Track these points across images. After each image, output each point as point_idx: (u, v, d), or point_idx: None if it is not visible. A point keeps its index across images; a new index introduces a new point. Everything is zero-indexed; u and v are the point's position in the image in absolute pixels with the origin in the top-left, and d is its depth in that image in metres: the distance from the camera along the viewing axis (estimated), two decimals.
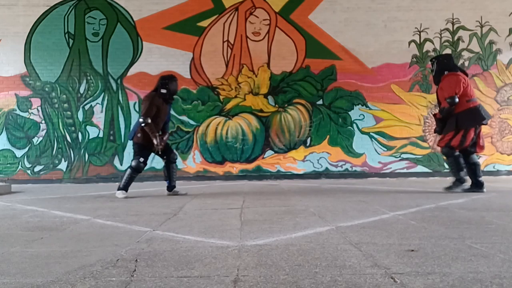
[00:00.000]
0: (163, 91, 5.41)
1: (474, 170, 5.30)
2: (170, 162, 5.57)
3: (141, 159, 5.34)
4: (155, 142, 5.27)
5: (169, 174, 5.58)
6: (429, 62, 5.61)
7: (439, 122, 5.45)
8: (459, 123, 5.18)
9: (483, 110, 5.31)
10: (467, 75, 5.43)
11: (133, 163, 5.34)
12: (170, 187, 5.61)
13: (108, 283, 1.86)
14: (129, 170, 5.38)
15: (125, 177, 5.37)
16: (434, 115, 5.56)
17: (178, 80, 5.64)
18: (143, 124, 5.26)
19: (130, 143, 8.14)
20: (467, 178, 5.31)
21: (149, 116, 5.26)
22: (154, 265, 2.12)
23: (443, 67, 5.37)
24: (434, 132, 5.67)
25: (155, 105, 5.33)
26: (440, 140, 5.46)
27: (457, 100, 5.14)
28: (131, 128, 5.61)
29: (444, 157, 5.41)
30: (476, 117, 5.19)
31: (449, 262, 2.10)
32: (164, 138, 5.44)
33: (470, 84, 5.35)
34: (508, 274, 1.89)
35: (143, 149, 5.39)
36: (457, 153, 5.28)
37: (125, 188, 5.35)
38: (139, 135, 5.33)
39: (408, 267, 2.03)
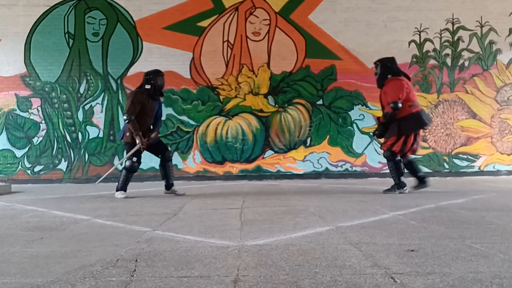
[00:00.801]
0: (147, 86, 5.32)
1: (411, 168, 5.39)
2: (165, 161, 5.51)
3: (134, 159, 5.30)
4: (137, 140, 5.21)
5: (166, 173, 5.52)
6: (374, 65, 5.65)
7: (380, 126, 5.48)
8: (402, 129, 5.22)
9: (425, 114, 5.38)
10: (409, 79, 5.49)
11: (127, 164, 5.31)
12: (168, 186, 5.58)
13: (108, 283, 1.86)
14: (124, 171, 5.36)
15: (121, 178, 5.35)
16: (378, 118, 5.61)
17: (164, 75, 5.55)
18: (126, 122, 5.22)
19: None
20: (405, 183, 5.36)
21: (132, 113, 5.18)
22: (154, 265, 2.12)
23: (386, 71, 5.39)
24: (373, 135, 5.70)
25: (139, 102, 5.23)
26: (383, 144, 5.53)
27: (400, 105, 5.16)
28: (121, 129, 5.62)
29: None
30: (418, 122, 5.25)
31: (449, 262, 2.10)
32: (152, 136, 5.37)
33: (412, 89, 5.41)
34: (508, 274, 1.89)
35: (131, 148, 5.33)
36: (398, 158, 5.35)
37: (123, 188, 5.34)
38: (127, 134, 5.28)
39: (408, 267, 2.03)
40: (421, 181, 5.37)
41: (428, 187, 5.38)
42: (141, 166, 8.06)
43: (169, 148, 5.74)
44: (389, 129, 5.33)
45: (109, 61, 8.23)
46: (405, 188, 5.32)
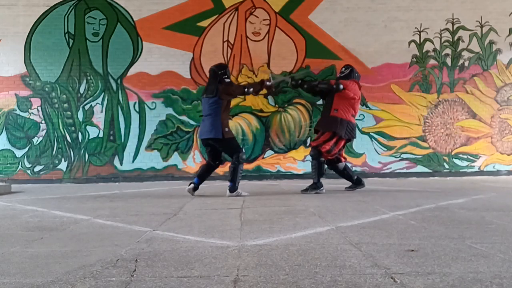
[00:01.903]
0: (228, 80, 5.34)
1: (347, 174, 5.72)
2: (215, 167, 5.52)
3: (243, 149, 5.42)
4: (268, 83, 5.44)
5: (204, 175, 5.45)
6: (344, 67, 5.87)
7: (308, 85, 5.72)
8: (339, 129, 5.39)
9: (355, 130, 5.70)
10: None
11: (243, 156, 5.30)
12: (197, 188, 5.39)
13: (108, 283, 1.86)
14: (240, 166, 5.24)
15: (237, 175, 5.24)
16: (319, 82, 5.77)
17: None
18: (250, 91, 5.34)
19: (130, 143, 8.17)
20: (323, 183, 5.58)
21: (242, 87, 5.42)
22: (154, 265, 2.12)
23: (351, 76, 5.66)
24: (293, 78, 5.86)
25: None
26: (314, 139, 5.67)
27: (341, 87, 5.38)
28: (204, 129, 5.32)
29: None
30: (352, 132, 5.56)
31: (449, 262, 2.10)
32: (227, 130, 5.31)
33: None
34: (508, 274, 1.90)
35: (235, 140, 5.44)
36: (322, 159, 5.53)
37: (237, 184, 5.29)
38: (226, 129, 5.19)
39: (408, 267, 2.03)
40: (358, 183, 5.71)
41: (364, 186, 5.74)
42: (140, 166, 8.19)
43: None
44: (327, 122, 5.51)
45: (109, 61, 8.23)
46: (322, 188, 5.48)
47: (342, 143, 5.52)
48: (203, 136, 5.32)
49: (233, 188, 5.24)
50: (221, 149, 5.40)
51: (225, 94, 5.24)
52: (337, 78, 5.79)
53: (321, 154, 5.45)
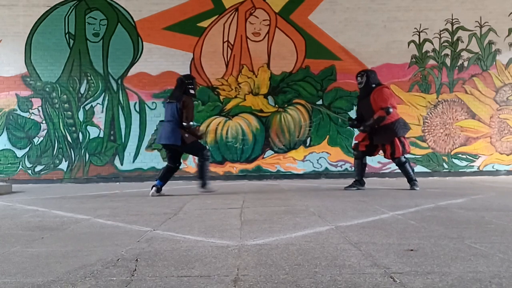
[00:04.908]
0: (193, 92, 5.60)
1: (363, 169, 5.98)
2: (176, 169, 5.78)
3: (207, 147, 5.85)
4: (202, 136, 5.86)
5: (167, 177, 5.66)
6: (359, 75, 5.92)
7: (368, 129, 5.76)
8: (397, 131, 5.58)
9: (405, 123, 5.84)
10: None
11: (208, 153, 5.61)
12: (160, 190, 5.59)
13: (109, 282, 1.87)
14: (206, 162, 5.60)
15: (204, 171, 5.61)
16: (377, 119, 5.68)
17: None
18: (187, 128, 5.45)
19: (130, 143, 8.18)
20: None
21: (192, 120, 5.56)
22: (154, 265, 2.13)
23: (371, 81, 5.76)
24: (362, 130, 5.88)
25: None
26: (390, 153, 5.73)
27: (391, 110, 5.57)
28: (164, 134, 5.54)
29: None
30: (406, 125, 5.77)
31: (448, 262, 2.11)
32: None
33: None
34: (507, 274, 1.90)
35: (198, 142, 5.67)
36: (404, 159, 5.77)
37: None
38: (186, 135, 5.44)
39: (407, 266, 2.04)
40: (361, 183, 5.95)
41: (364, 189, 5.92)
42: (141, 166, 8.20)
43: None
44: (383, 134, 5.66)
45: (110, 61, 8.24)
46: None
47: (403, 138, 5.71)
48: (163, 141, 5.55)
49: (204, 184, 5.65)
50: (184, 151, 5.76)
51: (184, 106, 5.44)
52: (362, 90, 5.84)
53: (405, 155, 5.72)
